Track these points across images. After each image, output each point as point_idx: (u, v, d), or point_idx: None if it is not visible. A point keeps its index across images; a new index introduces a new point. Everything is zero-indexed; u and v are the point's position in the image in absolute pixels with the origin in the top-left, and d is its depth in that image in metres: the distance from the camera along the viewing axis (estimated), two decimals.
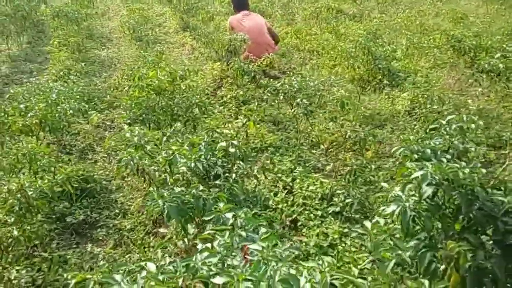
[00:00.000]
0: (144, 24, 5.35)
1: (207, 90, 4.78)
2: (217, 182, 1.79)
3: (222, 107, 4.42)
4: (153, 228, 2.75)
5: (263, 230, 1.17)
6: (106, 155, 3.59)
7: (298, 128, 3.74)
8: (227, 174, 1.87)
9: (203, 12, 6.17)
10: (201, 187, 1.66)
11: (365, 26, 6.43)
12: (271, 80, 3.94)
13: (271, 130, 3.93)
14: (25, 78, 5.15)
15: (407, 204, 1.49)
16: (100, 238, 2.70)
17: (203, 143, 1.88)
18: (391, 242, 1.41)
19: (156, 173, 1.89)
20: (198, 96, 3.37)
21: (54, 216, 2.67)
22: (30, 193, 1.94)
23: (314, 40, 5.78)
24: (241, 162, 1.87)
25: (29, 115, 2.50)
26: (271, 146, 3.63)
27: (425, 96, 3.77)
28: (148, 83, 2.83)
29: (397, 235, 1.46)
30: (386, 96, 4.40)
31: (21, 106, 2.61)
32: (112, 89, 4.58)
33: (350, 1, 8.00)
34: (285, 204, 2.91)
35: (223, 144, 1.91)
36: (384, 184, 1.69)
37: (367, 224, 1.49)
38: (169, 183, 1.81)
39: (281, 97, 3.39)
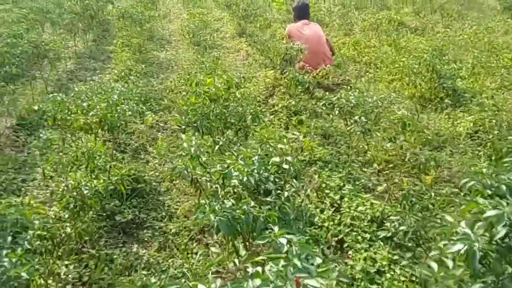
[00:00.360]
0: (203, 29, 5.44)
1: (259, 97, 4.76)
2: (268, 199, 1.74)
3: (273, 116, 4.38)
4: (198, 234, 2.75)
5: (318, 260, 1.10)
6: (157, 157, 3.65)
7: (351, 144, 3.62)
8: (278, 191, 1.81)
9: (261, 19, 6.18)
10: (252, 203, 1.61)
11: (427, 40, 6.16)
12: (326, 92, 3.84)
13: (321, 143, 3.83)
14: (88, 76, 5.41)
15: (476, 244, 1.36)
16: (146, 239, 2.73)
17: (257, 157, 1.83)
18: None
19: (208, 183, 1.87)
20: (252, 106, 3.35)
21: (104, 214, 2.74)
22: (85, 191, 1.99)
23: (372, 53, 5.61)
24: (294, 180, 1.80)
25: (90, 114, 2.59)
26: (320, 160, 3.53)
27: (493, 120, 3.52)
28: (205, 90, 2.84)
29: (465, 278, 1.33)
30: (447, 116, 4.16)
31: (84, 104, 2.70)
32: (168, 91, 4.69)
33: (412, 13, 7.72)
34: (332, 223, 2.80)
35: (277, 159, 1.86)
36: (449, 218, 1.56)
37: (433, 265, 1.37)
38: (220, 195, 1.78)
39: (337, 111, 3.29)
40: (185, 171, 1.76)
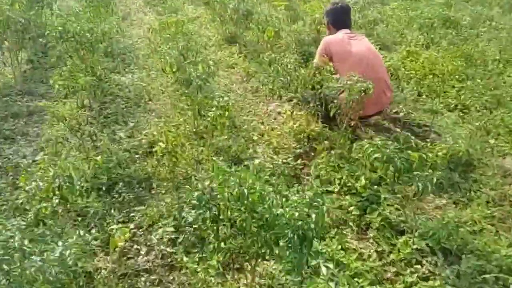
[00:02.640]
0: (191, 54, 3.67)
1: (287, 158, 3.05)
2: None
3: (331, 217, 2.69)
4: None
5: None
6: None
7: None
8: None
9: (270, 30, 4.34)
10: None
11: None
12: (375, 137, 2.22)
13: None
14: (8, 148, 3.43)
15: None
16: None
17: None
18: None
19: None
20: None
21: None
22: None
23: (430, 65, 3.99)
24: None
25: None
26: None
27: None
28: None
29: None
30: None
31: None
32: (147, 163, 2.95)
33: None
34: None
35: None
36: None
37: None
38: None
39: None
40: None
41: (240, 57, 5.14)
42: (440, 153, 2.51)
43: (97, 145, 3.15)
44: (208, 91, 3.08)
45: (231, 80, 4.73)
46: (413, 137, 3.27)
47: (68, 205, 2.17)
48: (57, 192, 2.05)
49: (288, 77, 3.38)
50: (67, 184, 2.06)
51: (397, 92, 3.98)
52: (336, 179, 2.67)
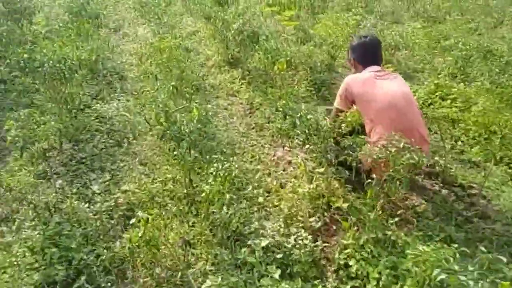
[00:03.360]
0: (180, 79, 2.99)
1: (301, 235, 2.37)
2: None
3: None
4: None
5: None
6: None
7: None
8: None
9: (282, 63, 3.64)
10: None
11: None
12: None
13: None
14: None
15: None
16: None
17: None
18: None
19: None
20: None
21: None
22: None
23: (466, 111, 3.35)
24: None
25: None
26: None
27: None
28: None
29: None
30: None
31: None
32: (121, 240, 2.28)
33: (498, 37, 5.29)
34: None
35: None
36: None
37: None
38: None
39: None
40: None
41: (243, 83, 4.48)
42: None
43: (56, 218, 2.42)
44: (205, 146, 2.40)
45: (232, 112, 4.07)
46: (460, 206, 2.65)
47: None
48: None
49: (307, 130, 2.69)
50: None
51: (433, 140, 3.32)
52: (372, 278, 2.00)
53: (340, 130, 2.59)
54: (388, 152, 2.06)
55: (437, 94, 4.08)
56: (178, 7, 7.61)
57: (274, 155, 3.31)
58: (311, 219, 2.45)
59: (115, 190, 2.84)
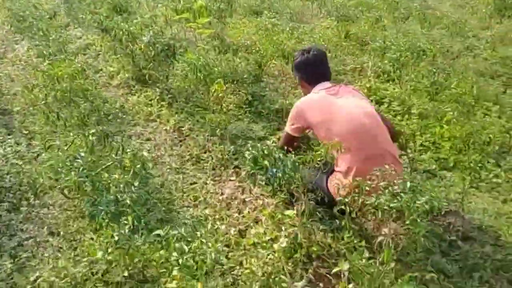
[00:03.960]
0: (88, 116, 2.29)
1: None
2: None
3: None
4: None
5: None
6: None
7: None
8: None
9: (220, 84, 3.01)
10: None
11: None
12: None
13: None
14: None
15: None
16: None
17: None
18: None
19: None
20: None
21: None
22: None
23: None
24: None
25: None
26: None
27: None
28: None
29: None
30: None
31: None
32: None
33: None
34: None
35: None
36: None
37: None
38: None
39: None
40: None
41: (162, 106, 3.83)
42: None
43: None
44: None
45: (157, 142, 3.41)
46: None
47: None
48: None
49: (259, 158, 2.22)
50: None
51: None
52: None
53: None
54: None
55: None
56: (62, 16, 6.51)
57: (222, 194, 2.78)
58: (291, 276, 2.00)
59: (22, 281, 2.06)
